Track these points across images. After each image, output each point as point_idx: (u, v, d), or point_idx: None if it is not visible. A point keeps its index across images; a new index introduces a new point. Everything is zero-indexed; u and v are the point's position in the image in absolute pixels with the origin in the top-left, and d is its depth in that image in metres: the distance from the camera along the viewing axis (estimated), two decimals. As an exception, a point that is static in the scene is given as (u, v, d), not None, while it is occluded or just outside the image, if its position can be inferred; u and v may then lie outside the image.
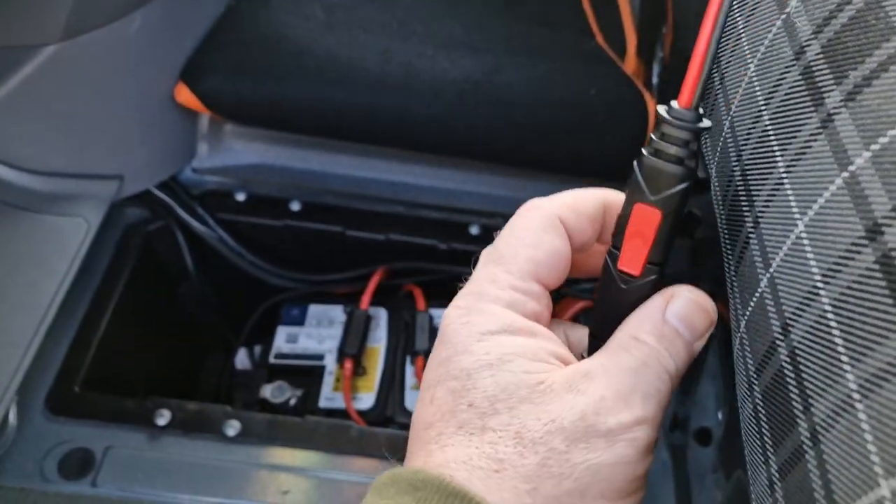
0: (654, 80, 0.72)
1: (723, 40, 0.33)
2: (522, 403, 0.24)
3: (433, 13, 0.76)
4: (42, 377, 0.61)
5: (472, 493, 0.23)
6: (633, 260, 0.27)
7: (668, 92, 0.73)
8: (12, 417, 0.58)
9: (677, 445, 0.62)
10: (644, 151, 0.26)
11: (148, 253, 0.70)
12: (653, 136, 0.26)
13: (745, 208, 0.28)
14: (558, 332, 0.29)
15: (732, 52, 0.31)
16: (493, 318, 0.26)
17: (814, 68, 0.25)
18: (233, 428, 0.59)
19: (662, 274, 0.27)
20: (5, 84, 0.57)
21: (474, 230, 0.72)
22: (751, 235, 0.28)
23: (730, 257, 0.30)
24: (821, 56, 0.25)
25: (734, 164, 0.30)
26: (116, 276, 0.67)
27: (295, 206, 0.73)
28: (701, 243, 0.55)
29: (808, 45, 0.25)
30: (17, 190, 0.62)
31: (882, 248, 0.20)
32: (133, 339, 0.68)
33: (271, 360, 0.69)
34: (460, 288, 0.28)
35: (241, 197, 0.73)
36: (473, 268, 0.28)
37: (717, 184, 0.33)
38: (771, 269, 0.26)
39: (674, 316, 0.27)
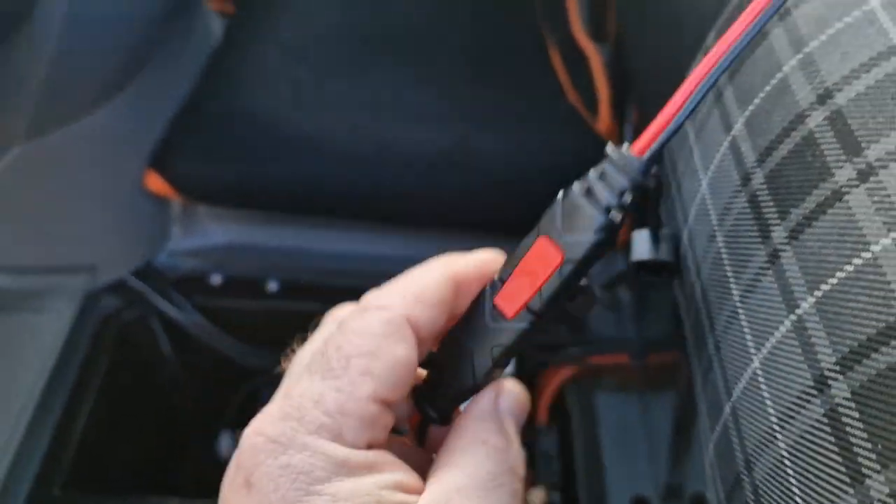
0: (627, 140, 0.72)
1: (678, 148, 0.33)
2: None
3: (402, 83, 0.77)
4: (21, 479, 0.59)
5: None
6: (511, 298, 0.23)
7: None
8: (-11, 525, 0.57)
9: (672, 514, 0.62)
10: (575, 185, 0.23)
11: (124, 343, 0.69)
12: (590, 174, 0.23)
13: (706, 329, 0.28)
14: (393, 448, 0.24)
15: (686, 163, 0.32)
16: (320, 458, 0.20)
17: (759, 198, 0.25)
18: (216, 523, 0.58)
19: (535, 328, 0.23)
20: (-28, 189, 0.57)
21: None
22: (713, 358, 0.28)
23: (697, 373, 0.30)
24: (765, 186, 0.25)
25: (694, 278, 0.30)
26: (93, 369, 0.66)
27: (272, 286, 0.72)
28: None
29: (754, 173, 0.26)
30: (-13, 290, 0.61)
31: (829, 402, 0.20)
32: (113, 432, 0.67)
33: (254, 444, 0.68)
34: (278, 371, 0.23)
35: (216, 280, 0.72)
36: (291, 352, 0.24)
37: (679, 293, 0.33)
38: (732, 400, 0.25)
39: (507, 411, 0.24)
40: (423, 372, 0.25)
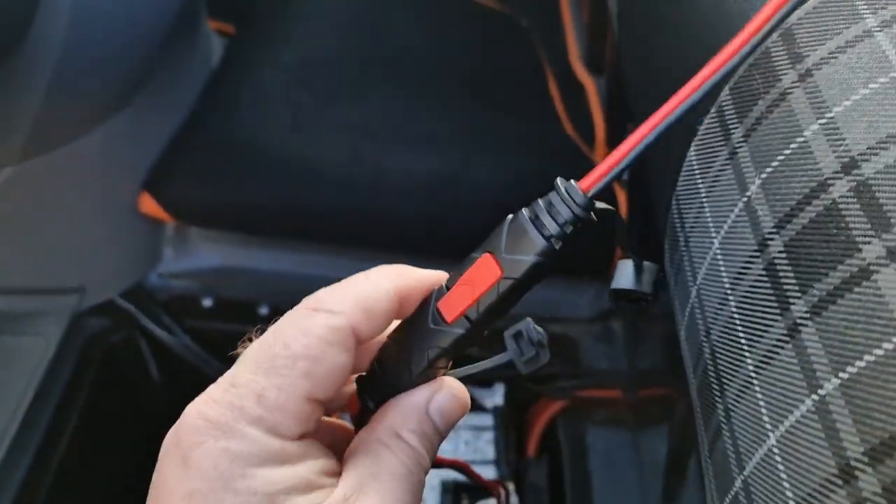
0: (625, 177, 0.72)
1: (686, 200, 0.32)
2: None
3: (400, 108, 0.76)
4: (-3, 505, 0.58)
5: None
6: (452, 305, 0.25)
7: (636, 183, 0.73)
8: (-37, 555, 0.55)
9: (661, 554, 0.61)
10: (524, 211, 0.25)
11: (110, 364, 0.67)
12: (539, 201, 0.25)
13: (716, 393, 0.27)
14: (319, 430, 0.26)
15: (696, 218, 0.31)
16: (256, 446, 0.22)
17: (778, 267, 0.24)
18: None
19: (472, 336, 0.25)
20: (-39, 208, 0.55)
21: (447, 328, 0.71)
22: (723, 426, 0.27)
23: (703, 435, 0.29)
24: (784, 256, 0.24)
25: (703, 338, 0.29)
26: (77, 391, 0.64)
27: (263, 310, 0.71)
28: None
29: (772, 240, 0.25)
30: (-28, 311, 0.60)
31: (856, 495, 0.19)
32: (95, 456, 0.65)
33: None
34: (233, 356, 0.25)
35: (207, 303, 0.71)
36: (248, 341, 0.25)
37: (686, 347, 0.32)
38: (745, 473, 0.25)
39: (436, 411, 0.26)
40: None
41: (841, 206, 0.22)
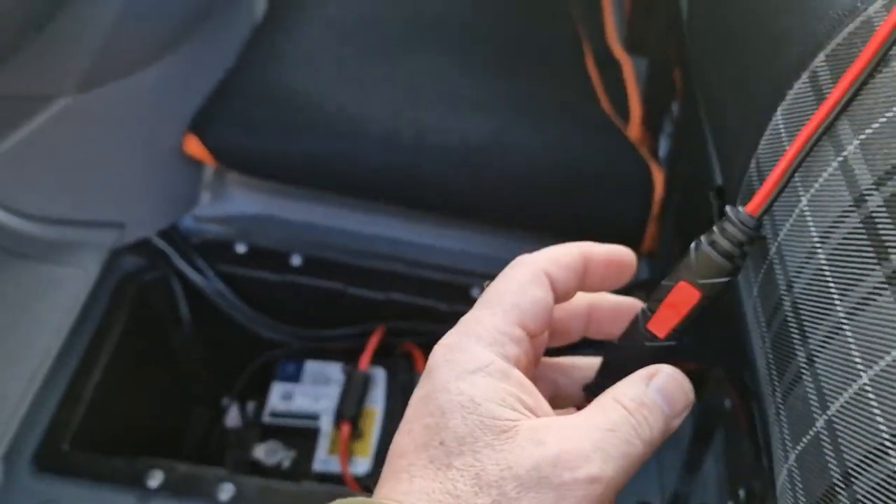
0: (661, 153, 0.73)
1: (769, 162, 0.33)
2: (485, 448, 0.26)
3: (444, 71, 0.77)
4: (30, 433, 0.59)
5: None
6: (662, 324, 0.30)
7: (676, 163, 0.74)
8: (-2, 474, 0.56)
9: (674, 523, 0.63)
10: (703, 239, 0.30)
11: (143, 303, 0.68)
12: (714, 229, 0.30)
13: (796, 342, 0.29)
14: (546, 376, 0.33)
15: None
16: (473, 358, 0.27)
17: (877, 221, 0.25)
18: (226, 492, 0.58)
19: (681, 344, 0.31)
20: (16, 133, 0.56)
21: (476, 293, 0.72)
22: (803, 371, 0.28)
23: (776, 383, 0.31)
24: (884, 209, 0.25)
25: (783, 291, 0.30)
26: (111, 326, 0.65)
27: (296, 261, 0.72)
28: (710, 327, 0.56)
29: (870, 195, 0.26)
30: (17, 236, 0.60)
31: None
32: (124, 392, 0.66)
33: (265, 418, 0.68)
34: None
35: (241, 248, 0.72)
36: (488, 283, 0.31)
37: (759, 303, 0.34)
38: (829, 412, 0.26)
39: (656, 389, 0.29)
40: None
41: (949, 162, 0.23)
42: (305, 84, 0.71)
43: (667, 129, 0.74)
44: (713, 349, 0.55)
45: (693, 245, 0.30)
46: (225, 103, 0.68)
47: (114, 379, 0.64)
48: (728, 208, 0.30)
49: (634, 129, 0.81)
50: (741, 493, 0.56)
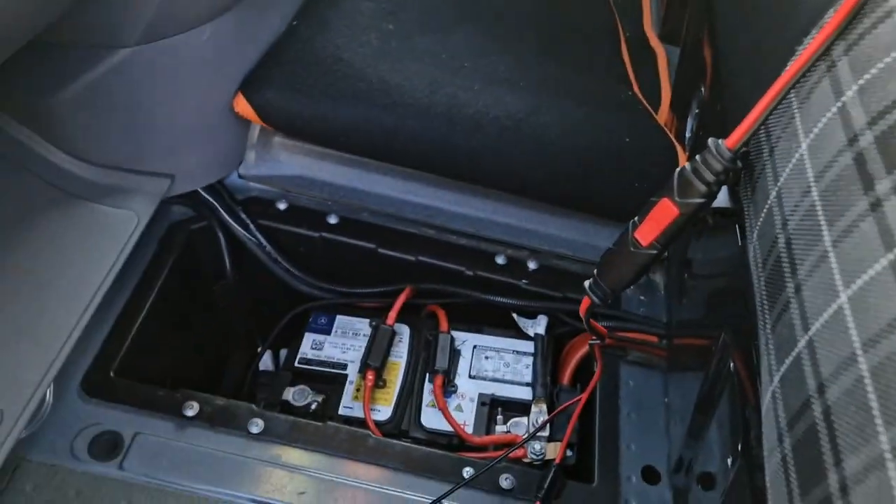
0: (688, 134, 0.75)
1: (775, 118, 0.36)
2: None
3: (481, 49, 0.79)
4: (80, 360, 0.63)
5: None
6: (645, 234, 0.37)
7: (700, 147, 0.76)
8: (48, 396, 0.61)
9: (680, 488, 0.65)
10: (687, 165, 0.35)
11: (189, 250, 0.72)
12: (697, 158, 0.35)
13: (787, 274, 0.31)
14: None
15: (785, 129, 0.35)
16: None
17: (866, 155, 0.28)
18: (256, 426, 0.62)
19: (662, 252, 0.38)
20: (79, 81, 0.60)
21: (500, 260, 0.75)
22: (791, 300, 0.30)
23: (767, 317, 0.33)
24: (874, 145, 0.28)
25: (778, 231, 0.33)
26: (157, 270, 0.69)
27: (332, 220, 0.76)
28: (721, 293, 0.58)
29: (863, 134, 0.28)
30: (76, 179, 0.65)
31: (919, 325, 0.23)
32: (166, 331, 0.71)
33: (296, 364, 0.71)
34: None
35: (282, 206, 0.75)
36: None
37: (757, 247, 0.36)
38: (810, 333, 0.28)
39: None
40: None
41: (931, 103, 0.26)
42: (350, 54, 0.74)
43: (694, 113, 0.76)
44: (721, 320, 0.57)
45: (678, 170, 0.35)
46: (274, 67, 0.71)
47: (158, 317, 0.68)
48: (710, 140, 0.34)
49: (663, 114, 0.83)
50: (729, 461, 0.59)
